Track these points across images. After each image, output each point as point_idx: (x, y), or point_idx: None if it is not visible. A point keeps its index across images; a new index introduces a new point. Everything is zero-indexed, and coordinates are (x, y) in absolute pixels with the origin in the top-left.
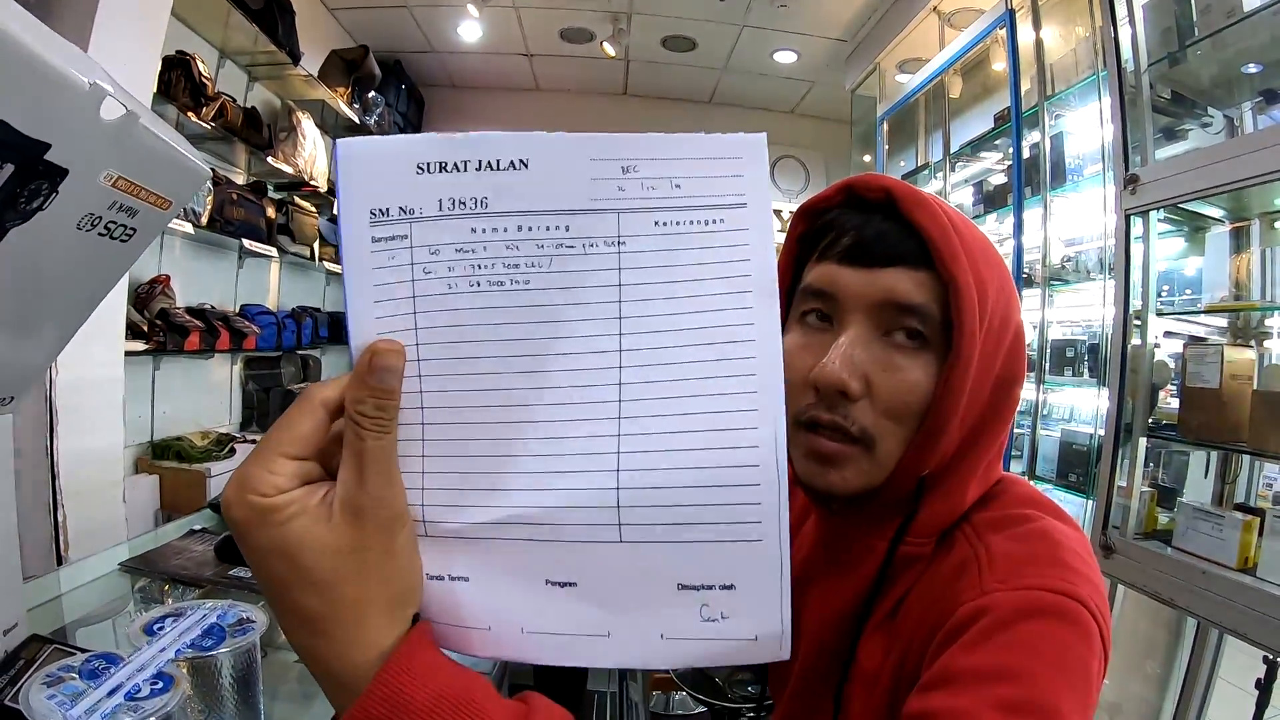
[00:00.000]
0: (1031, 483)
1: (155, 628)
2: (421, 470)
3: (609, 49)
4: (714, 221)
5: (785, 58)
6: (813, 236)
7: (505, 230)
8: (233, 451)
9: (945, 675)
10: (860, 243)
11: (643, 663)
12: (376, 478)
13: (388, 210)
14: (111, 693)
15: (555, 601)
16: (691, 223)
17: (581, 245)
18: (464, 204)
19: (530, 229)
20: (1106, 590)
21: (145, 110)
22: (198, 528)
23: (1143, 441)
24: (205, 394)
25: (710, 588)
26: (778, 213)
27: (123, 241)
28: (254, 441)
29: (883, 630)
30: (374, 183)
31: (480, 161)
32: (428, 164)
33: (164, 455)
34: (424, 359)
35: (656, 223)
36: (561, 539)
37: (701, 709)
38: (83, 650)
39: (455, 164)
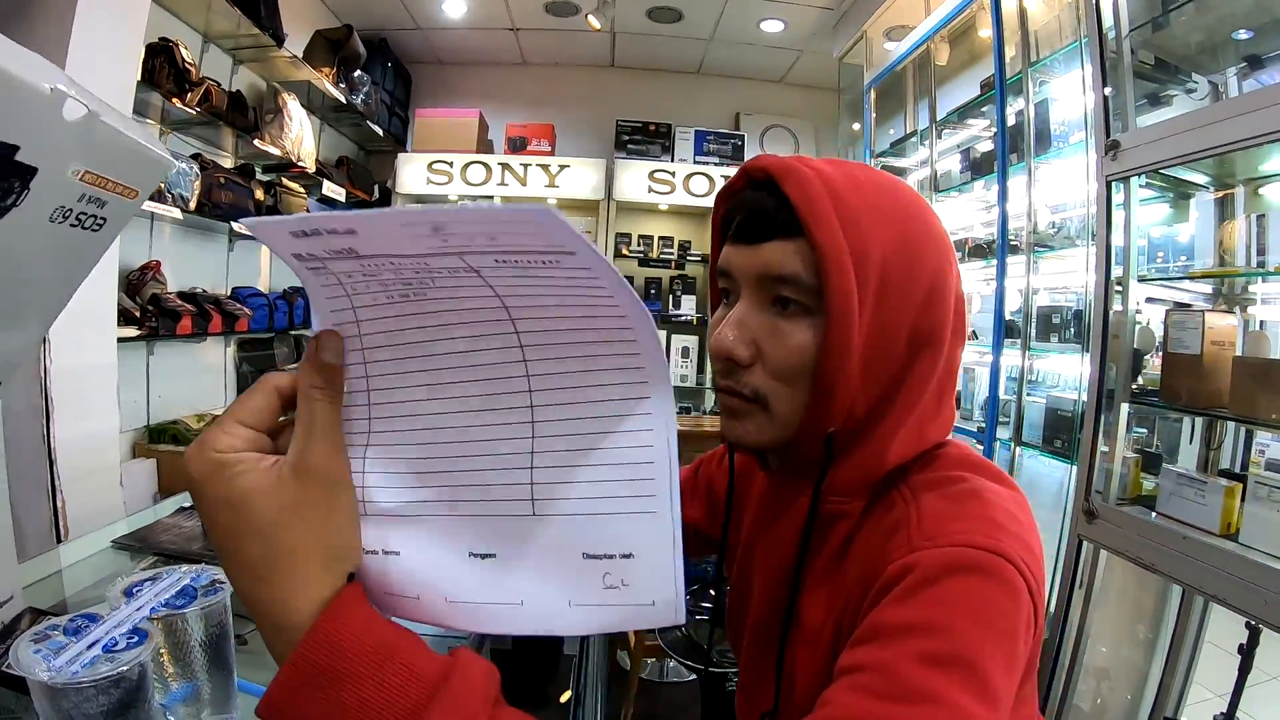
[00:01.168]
0: (1019, 449)
1: (134, 590)
2: (364, 458)
3: (594, 22)
4: (552, 262)
5: (772, 27)
6: (724, 220)
7: (380, 264)
8: None
9: (872, 630)
10: (744, 221)
11: (551, 629)
12: (322, 442)
13: (300, 254)
14: (90, 645)
15: (476, 572)
16: (530, 262)
17: (446, 271)
18: (339, 251)
19: (395, 264)
20: (1040, 550)
21: (107, 108)
22: (187, 505)
23: (1124, 408)
24: (200, 377)
25: (612, 557)
26: None
27: (94, 231)
28: None
29: (824, 586)
30: (278, 241)
31: (323, 230)
32: (298, 231)
33: (160, 439)
34: (369, 361)
35: (497, 260)
36: (482, 514)
37: (692, 676)
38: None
39: (308, 231)
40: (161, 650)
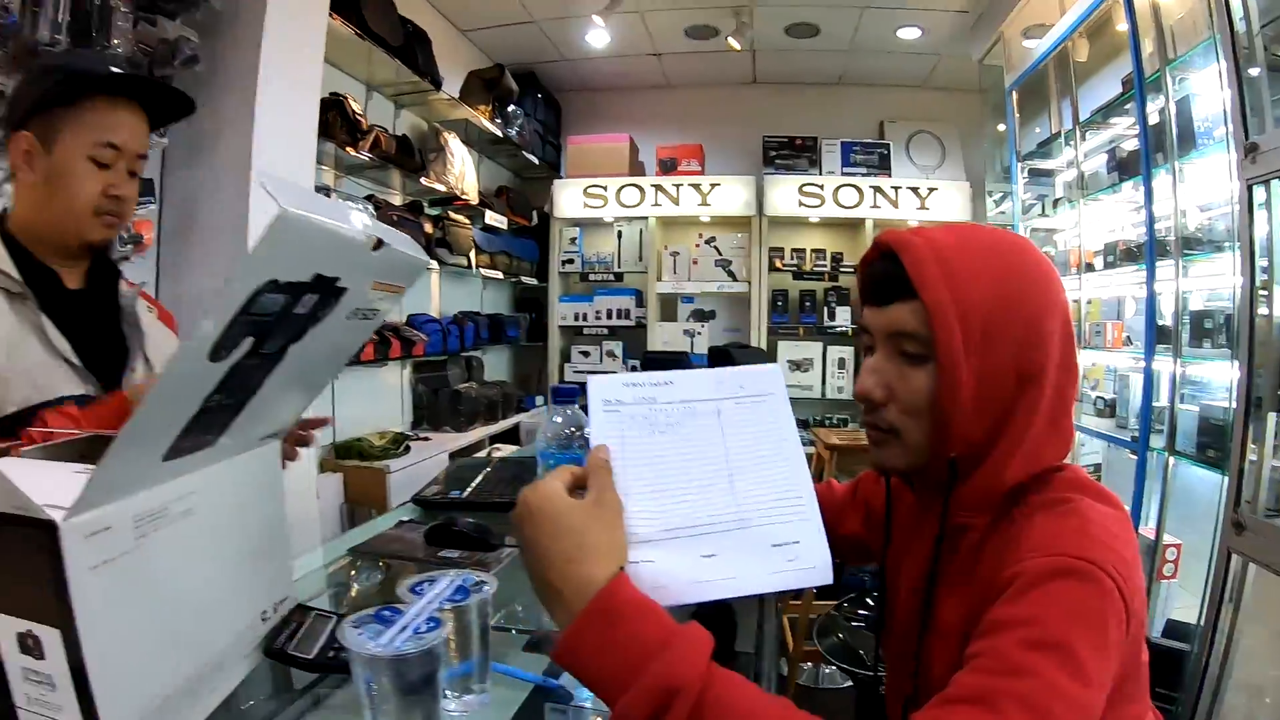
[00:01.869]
0: (1172, 458)
1: (417, 588)
2: (627, 507)
3: (734, 43)
4: (761, 399)
5: (909, 33)
6: (864, 285)
7: (663, 407)
8: (408, 449)
9: (987, 626)
10: (873, 288)
11: (758, 591)
12: (608, 490)
13: (610, 400)
14: (402, 629)
15: (705, 566)
16: (748, 400)
17: (697, 412)
18: (645, 399)
19: (671, 405)
20: (1138, 561)
21: (394, 234)
22: (405, 519)
23: (1273, 416)
24: (380, 398)
25: (788, 544)
26: (915, 190)
27: (368, 319)
28: (426, 439)
29: (957, 591)
30: (609, 391)
31: (650, 383)
32: (631, 383)
33: (346, 455)
34: (628, 455)
35: (736, 402)
36: (707, 534)
37: (847, 683)
38: (335, 613)
39: (638, 383)
40: (449, 635)
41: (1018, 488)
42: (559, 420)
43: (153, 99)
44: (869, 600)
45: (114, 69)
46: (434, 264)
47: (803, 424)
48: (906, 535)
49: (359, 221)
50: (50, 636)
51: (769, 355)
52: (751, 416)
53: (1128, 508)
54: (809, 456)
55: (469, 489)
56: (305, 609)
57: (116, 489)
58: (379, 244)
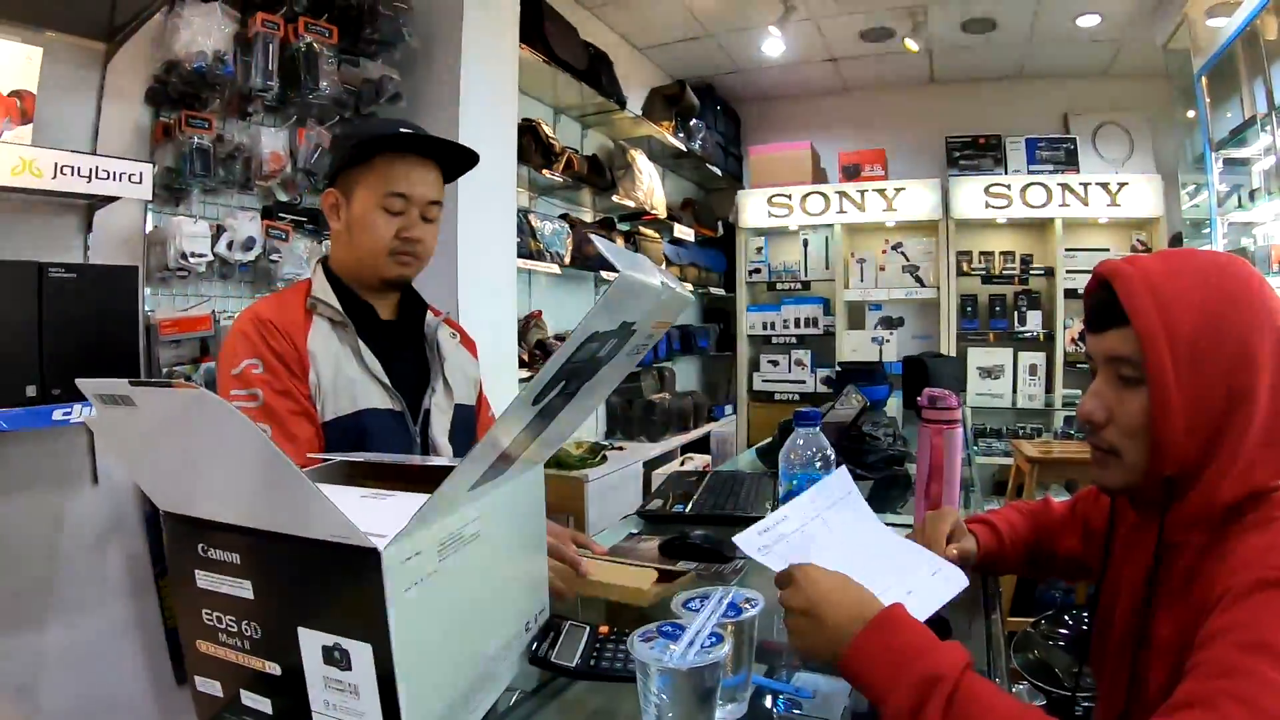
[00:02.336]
0: None
1: (690, 604)
2: None
3: (911, 44)
4: (846, 497)
5: (1088, 21)
6: (1086, 312)
7: (794, 534)
8: (604, 459)
9: (1203, 640)
10: (1092, 316)
11: (949, 595)
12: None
13: (761, 547)
14: (689, 644)
15: (913, 599)
16: (838, 503)
17: (816, 528)
18: (779, 536)
19: (798, 530)
20: None
21: (670, 278)
22: (634, 531)
23: None
24: None
25: (938, 571)
26: (1104, 186)
27: (639, 353)
28: (621, 449)
29: (1174, 607)
30: (755, 542)
31: (775, 523)
32: (763, 529)
33: (546, 465)
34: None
35: (832, 507)
36: (898, 582)
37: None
38: (586, 624)
39: (768, 528)
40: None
41: (1234, 506)
42: (801, 443)
43: (441, 152)
44: (1066, 618)
45: (403, 129)
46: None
47: (995, 433)
48: (1125, 553)
49: (651, 270)
50: (360, 650)
51: (959, 362)
52: (850, 514)
53: None
54: (1007, 468)
55: (691, 503)
56: (560, 619)
57: (432, 517)
58: (665, 288)
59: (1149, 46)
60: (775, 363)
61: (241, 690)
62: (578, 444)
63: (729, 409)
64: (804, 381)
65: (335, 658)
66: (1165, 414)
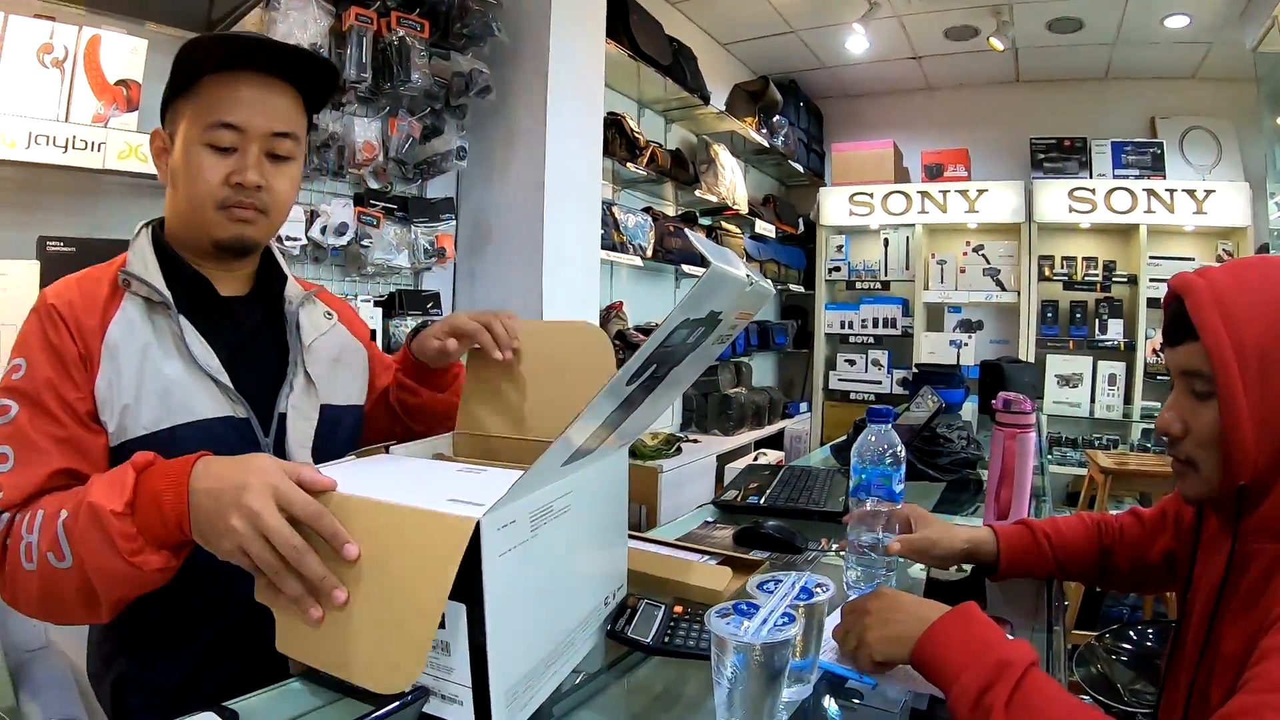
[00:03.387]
0: None
1: (764, 585)
2: None
3: (996, 43)
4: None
5: (1176, 22)
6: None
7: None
8: (679, 450)
9: (1262, 652)
10: (1168, 330)
11: None
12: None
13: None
14: (764, 622)
15: None
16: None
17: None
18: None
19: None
20: None
21: (754, 272)
22: (709, 519)
23: None
24: None
25: None
26: (1191, 193)
27: (724, 341)
28: (696, 441)
29: (1244, 620)
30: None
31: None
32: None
33: None
34: None
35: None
36: None
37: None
38: (661, 602)
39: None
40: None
41: None
42: (873, 439)
43: (292, 69)
44: (1131, 633)
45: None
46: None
47: (1070, 443)
48: (1205, 561)
49: (737, 262)
50: (455, 609)
51: (1038, 369)
52: None
53: None
54: (1081, 479)
55: (764, 495)
56: (636, 597)
57: (527, 489)
58: (750, 281)
59: (1238, 49)
60: (852, 362)
61: None
62: (653, 435)
63: (804, 406)
64: (880, 382)
65: None
66: (1235, 425)
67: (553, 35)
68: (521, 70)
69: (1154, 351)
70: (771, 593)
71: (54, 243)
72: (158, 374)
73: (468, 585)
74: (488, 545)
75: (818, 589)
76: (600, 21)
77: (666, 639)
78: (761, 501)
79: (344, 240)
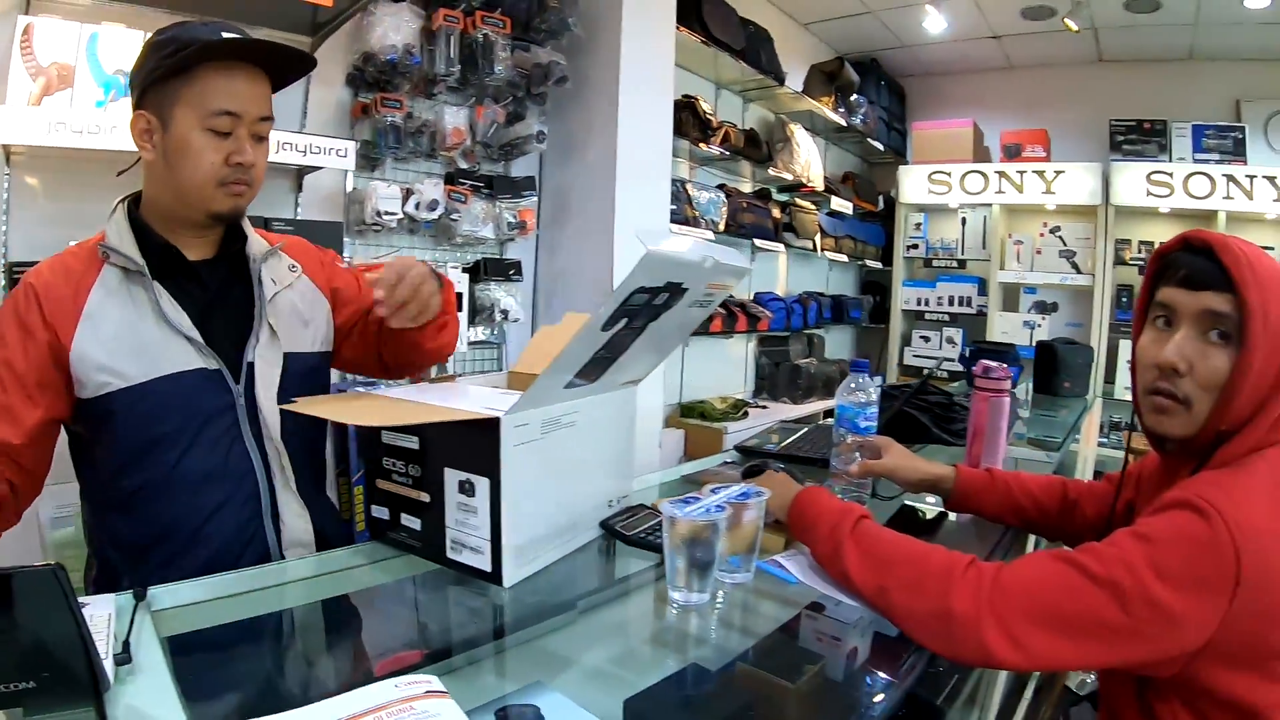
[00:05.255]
0: None
1: (715, 489)
2: None
3: (1071, 24)
4: None
5: (1257, 3)
6: (1161, 270)
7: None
8: (746, 414)
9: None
10: (1189, 275)
11: None
12: (771, 478)
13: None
14: (701, 509)
15: None
16: None
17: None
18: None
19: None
20: (1262, 521)
21: (725, 251)
22: (729, 460)
23: None
24: (725, 366)
25: None
26: (1271, 179)
27: (705, 306)
28: (764, 407)
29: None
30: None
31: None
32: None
33: (690, 414)
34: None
35: None
36: None
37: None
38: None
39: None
40: (729, 518)
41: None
42: (853, 385)
43: (272, 61)
44: None
45: (226, 34)
46: (780, 247)
47: (1131, 428)
48: (1145, 497)
49: (699, 247)
50: (482, 483)
51: (1110, 354)
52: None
53: None
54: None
55: (784, 443)
56: (641, 507)
57: (534, 402)
58: (709, 259)
59: None
60: (927, 339)
61: (401, 514)
62: (722, 399)
63: (877, 379)
64: (953, 359)
65: (466, 488)
66: (1245, 374)
67: (624, 30)
68: (596, 61)
69: None
70: (717, 494)
71: None
72: (135, 334)
73: (492, 465)
74: (505, 437)
75: (757, 495)
76: (670, 13)
77: (643, 536)
78: (778, 448)
79: (434, 215)
